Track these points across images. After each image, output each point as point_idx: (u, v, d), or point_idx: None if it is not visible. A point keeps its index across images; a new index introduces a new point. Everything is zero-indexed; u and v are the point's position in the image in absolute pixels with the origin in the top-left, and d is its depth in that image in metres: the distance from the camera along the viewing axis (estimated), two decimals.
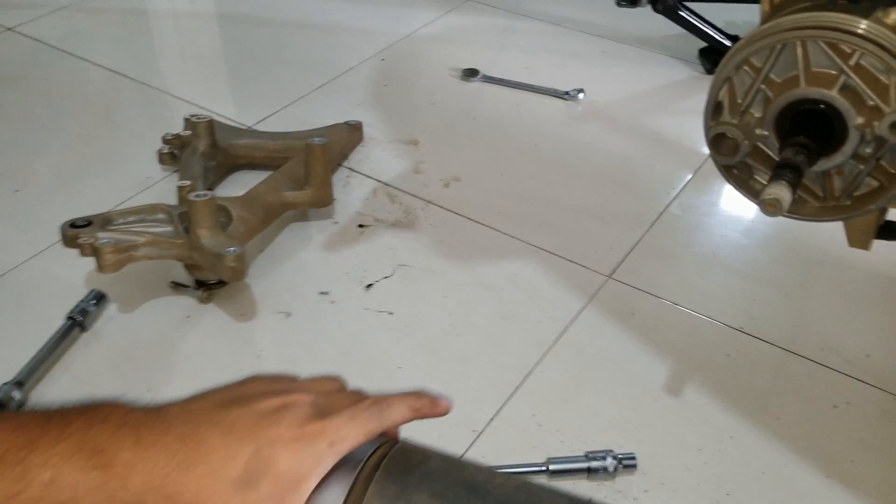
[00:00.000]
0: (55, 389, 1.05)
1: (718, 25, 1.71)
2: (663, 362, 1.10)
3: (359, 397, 0.59)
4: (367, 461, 0.55)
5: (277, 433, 0.53)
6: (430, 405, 0.61)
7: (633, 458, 0.96)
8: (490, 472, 0.56)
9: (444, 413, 0.62)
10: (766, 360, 1.11)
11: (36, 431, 0.49)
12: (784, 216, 0.75)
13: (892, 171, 0.75)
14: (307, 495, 0.52)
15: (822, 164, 0.77)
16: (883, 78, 0.71)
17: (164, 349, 1.11)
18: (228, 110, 1.58)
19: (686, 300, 1.19)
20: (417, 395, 0.60)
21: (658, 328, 1.15)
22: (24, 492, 0.47)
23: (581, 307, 1.18)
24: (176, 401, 0.56)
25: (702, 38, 1.72)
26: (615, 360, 1.11)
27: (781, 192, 0.71)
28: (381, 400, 0.58)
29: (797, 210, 0.81)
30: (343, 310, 1.17)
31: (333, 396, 0.58)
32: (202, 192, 1.12)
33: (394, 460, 0.55)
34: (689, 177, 1.44)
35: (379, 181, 1.41)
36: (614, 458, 0.95)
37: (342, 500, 0.53)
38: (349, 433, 0.54)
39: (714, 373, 1.09)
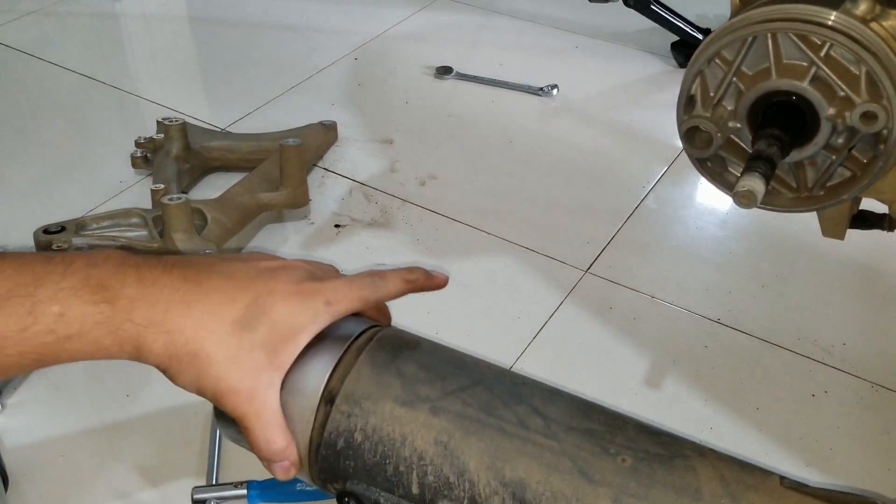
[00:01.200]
0: (32, 397, 1.04)
1: (690, 19, 1.72)
2: (642, 355, 1.11)
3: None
4: (359, 336, 0.57)
5: (276, 286, 0.54)
6: (424, 278, 0.63)
7: None
8: (478, 358, 0.59)
9: (441, 286, 0.64)
10: (744, 351, 1.12)
11: (41, 268, 0.50)
12: (758, 208, 0.75)
13: (865, 161, 0.76)
14: (300, 348, 0.53)
15: (795, 156, 0.77)
16: (853, 69, 0.72)
17: None
18: (201, 113, 1.57)
19: (663, 293, 1.20)
20: (411, 268, 0.62)
21: (636, 321, 1.15)
22: (34, 325, 0.48)
23: (559, 302, 1.18)
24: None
25: (674, 32, 1.73)
26: (594, 354, 1.11)
27: (755, 183, 0.71)
28: (376, 272, 0.60)
29: (771, 201, 0.81)
30: None
31: (329, 271, 0.60)
32: (176, 196, 1.11)
33: (386, 337, 0.58)
34: (664, 170, 1.44)
35: (354, 181, 1.41)
36: None
37: (333, 365, 0.55)
38: (345, 296, 0.56)
39: (692, 365, 1.09)
